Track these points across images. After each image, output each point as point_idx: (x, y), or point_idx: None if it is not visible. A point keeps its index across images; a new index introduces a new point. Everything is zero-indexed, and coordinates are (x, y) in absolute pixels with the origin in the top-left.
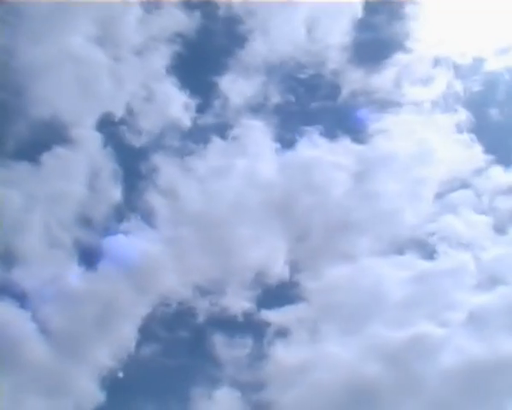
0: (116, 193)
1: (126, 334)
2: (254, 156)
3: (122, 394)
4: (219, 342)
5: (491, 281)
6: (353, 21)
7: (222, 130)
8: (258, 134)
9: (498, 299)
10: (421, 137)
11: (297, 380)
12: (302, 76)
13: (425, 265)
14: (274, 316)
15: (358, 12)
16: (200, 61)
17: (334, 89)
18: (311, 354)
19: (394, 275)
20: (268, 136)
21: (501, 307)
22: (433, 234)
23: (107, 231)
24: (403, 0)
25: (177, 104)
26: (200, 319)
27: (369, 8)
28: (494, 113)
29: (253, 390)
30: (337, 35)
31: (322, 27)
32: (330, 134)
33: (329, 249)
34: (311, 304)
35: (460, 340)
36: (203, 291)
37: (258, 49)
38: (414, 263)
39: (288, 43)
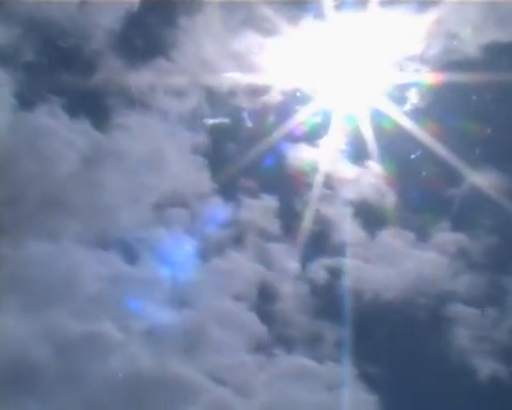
0: None
1: None
2: None
3: None
4: None
5: (179, 302)
6: (129, 10)
7: None
8: None
9: (181, 320)
10: (158, 146)
11: None
12: (63, 44)
13: (124, 268)
14: None
15: (137, 3)
16: None
17: (90, 69)
18: None
19: (93, 269)
20: (9, 90)
21: (181, 328)
22: (140, 241)
23: None
24: (182, 9)
25: None
26: None
27: (147, 4)
28: (231, 146)
29: None
30: (109, 17)
31: (97, 4)
32: (73, 111)
33: (37, 223)
34: (1, 271)
35: (135, 349)
36: None
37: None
38: (115, 263)
39: (57, 6)
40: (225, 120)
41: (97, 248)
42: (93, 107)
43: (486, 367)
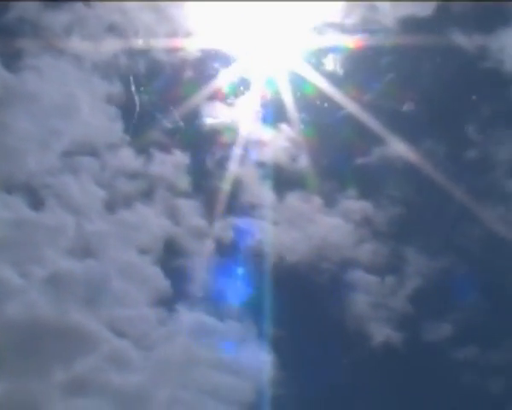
0: None
1: None
2: None
3: None
4: None
5: (83, 251)
6: None
7: None
8: None
9: (84, 270)
10: (71, 92)
11: None
12: None
13: (29, 213)
14: None
15: None
16: None
17: (3, 7)
18: None
19: None
20: None
21: (83, 278)
22: (47, 187)
23: None
24: None
25: None
26: None
27: None
28: (146, 99)
29: None
30: None
31: None
32: None
33: None
34: None
35: (35, 296)
36: None
37: None
38: (19, 207)
39: None
40: (146, 72)
41: (1, 191)
42: (4, 45)
43: (380, 333)
